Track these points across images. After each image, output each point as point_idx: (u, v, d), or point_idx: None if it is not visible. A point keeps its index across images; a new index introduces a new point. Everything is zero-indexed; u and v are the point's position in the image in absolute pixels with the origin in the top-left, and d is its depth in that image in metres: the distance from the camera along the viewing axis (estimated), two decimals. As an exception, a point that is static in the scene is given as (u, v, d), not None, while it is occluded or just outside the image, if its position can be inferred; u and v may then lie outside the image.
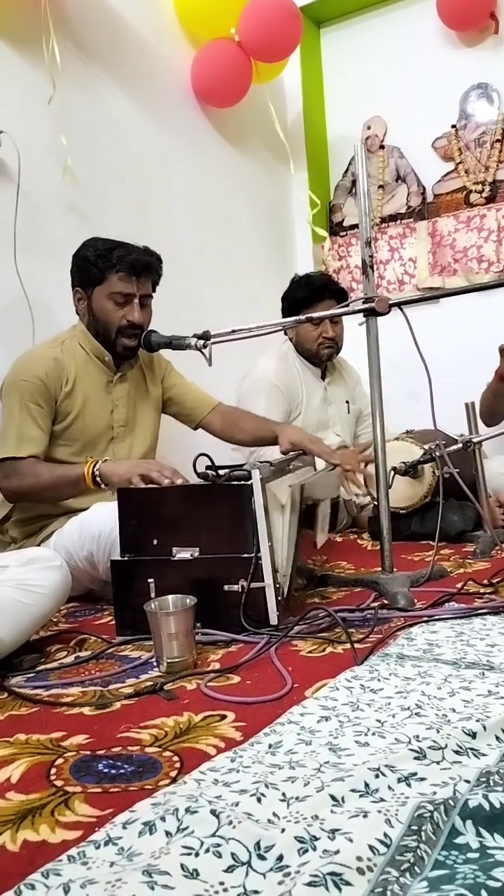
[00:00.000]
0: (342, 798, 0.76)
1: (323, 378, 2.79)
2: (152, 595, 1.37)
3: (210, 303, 2.95)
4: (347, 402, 2.82)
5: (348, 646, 1.27)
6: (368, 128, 3.49)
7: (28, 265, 2.19)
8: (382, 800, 0.76)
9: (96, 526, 1.74)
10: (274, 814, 0.76)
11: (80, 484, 1.79)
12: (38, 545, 1.85)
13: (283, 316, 2.70)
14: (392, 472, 2.11)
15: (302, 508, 1.54)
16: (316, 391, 2.74)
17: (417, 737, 0.90)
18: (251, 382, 2.64)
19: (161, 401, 2.15)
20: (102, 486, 1.76)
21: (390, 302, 1.66)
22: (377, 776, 0.80)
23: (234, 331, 1.72)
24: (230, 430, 2.20)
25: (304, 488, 1.54)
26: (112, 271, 1.90)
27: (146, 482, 1.64)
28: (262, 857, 0.68)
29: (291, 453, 1.95)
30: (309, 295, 2.61)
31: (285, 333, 2.79)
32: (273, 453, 2.12)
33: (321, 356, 2.69)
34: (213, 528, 1.47)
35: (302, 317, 1.91)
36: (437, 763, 0.84)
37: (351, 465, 2.31)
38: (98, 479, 1.76)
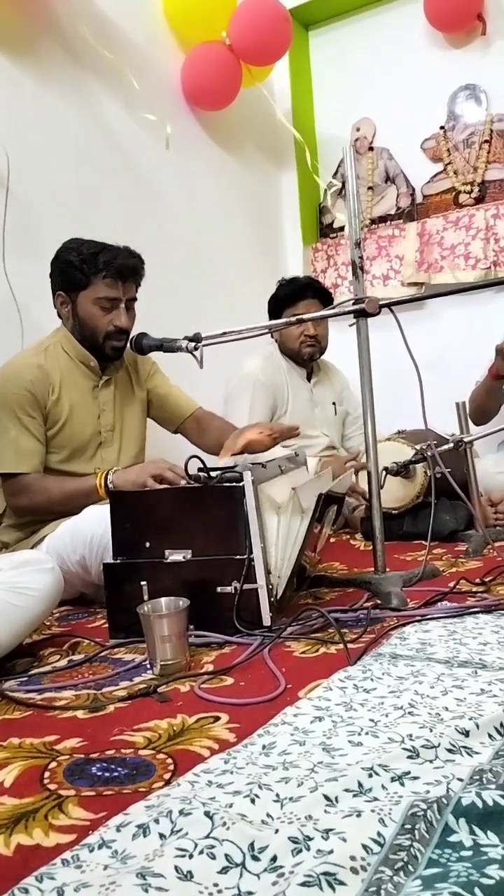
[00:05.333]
0: (336, 798, 0.77)
1: (309, 379, 2.81)
2: (145, 598, 1.37)
3: (200, 305, 2.95)
4: (334, 403, 2.83)
5: (341, 646, 1.27)
6: (357, 129, 3.50)
7: (17, 268, 2.19)
8: (376, 799, 0.76)
9: (88, 530, 1.74)
10: (268, 814, 0.76)
11: (92, 496, 1.80)
12: (31, 549, 1.84)
13: (269, 317, 2.71)
14: (384, 473, 2.12)
15: (317, 512, 1.54)
16: (301, 391, 2.75)
17: (411, 736, 0.90)
18: (237, 380, 2.66)
19: (146, 402, 2.15)
20: None
21: (380, 303, 1.67)
22: (370, 776, 0.80)
23: (224, 333, 1.72)
24: (201, 439, 2.16)
25: (321, 497, 1.54)
26: (98, 276, 1.87)
27: (159, 482, 1.65)
28: (256, 858, 0.68)
29: (284, 454, 1.95)
30: (291, 293, 2.65)
31: (271, 335, 2.80)
32: (270, 453, 2.12)
33: (303, 354, 2.71)
34: (206, 530, 1.47)
35: (292, 318, 1.91)
36: (431, 762, 0.84)
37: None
38: (111, 489, 1.76)
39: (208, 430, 2.17)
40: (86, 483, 1.82)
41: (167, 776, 0.87)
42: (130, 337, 1.89)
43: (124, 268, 1.90)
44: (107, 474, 1.80)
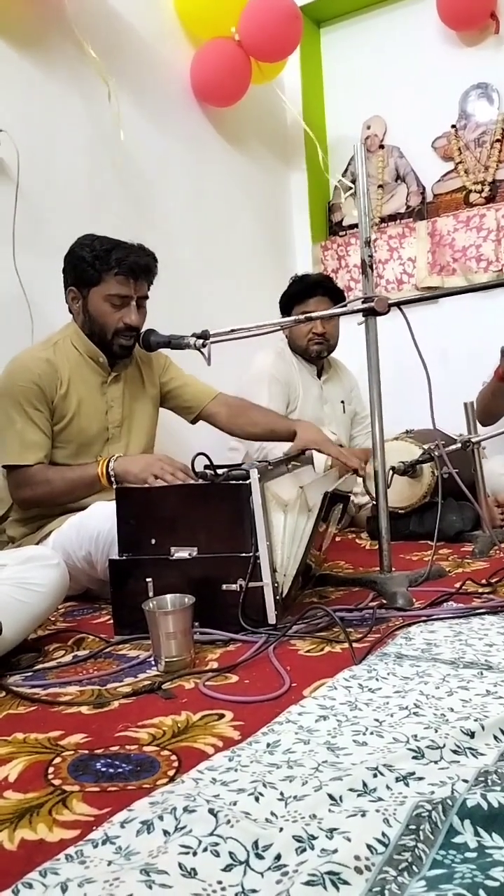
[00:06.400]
0: (340, 797, 0.76)
1: (319, 376, 2.80)
2: (150, 594, 1.37)
3: (209, 302, 2.95)
4: (343, 402, 2.83)
5: (346, 645, 1.27)
6: (368, 127, 3.49)
7: (27, 264, 2.19)
8: (380, 799, 0.76)
9: (95, 526, 1.74)
10: (272, 813, 0.76)
11: (95, 485, 1.80)
12: (37, 545, 1.85)
13: (281, 314, 2.71)
14: (391, 472, 2.11)
15: (323, 511, 1.54)
16: (311, 388, 2.75)
17: (416, 736, 0.90)
18: (251, 376, 2.67)
19: (159, 398, 2.14)
20: (116, 484, 1.75)
21: (390, 302, 1.66)
22: (375, 775, 0.80)
23: (233, 330, 1.72)
24: (238, 420, 2.14)
25: (328, 495, 1.54)
26: (110, 273, 1.87)
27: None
28: (260, 857, 0.67)
29: (291, 453, 1.95)
30: (301, 290, 2.65)
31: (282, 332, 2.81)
32: (276, 452, 2.12)
33: (310, 352, 2.71)
34: (212, 527, 1.47)
35: (301, 316, 1.91)
36: (436, 762, 0.84)
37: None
38: (112, 477, 1.76)
39: (250, 417, 2.15)
40: (87, 472, 1.81)
41: (171, 773, 0.87)
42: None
43: (136, 265, 1.90)
44: (108, 462, 1.79)
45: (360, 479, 2.44)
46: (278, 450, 2.20)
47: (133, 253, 1.90)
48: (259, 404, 2.31)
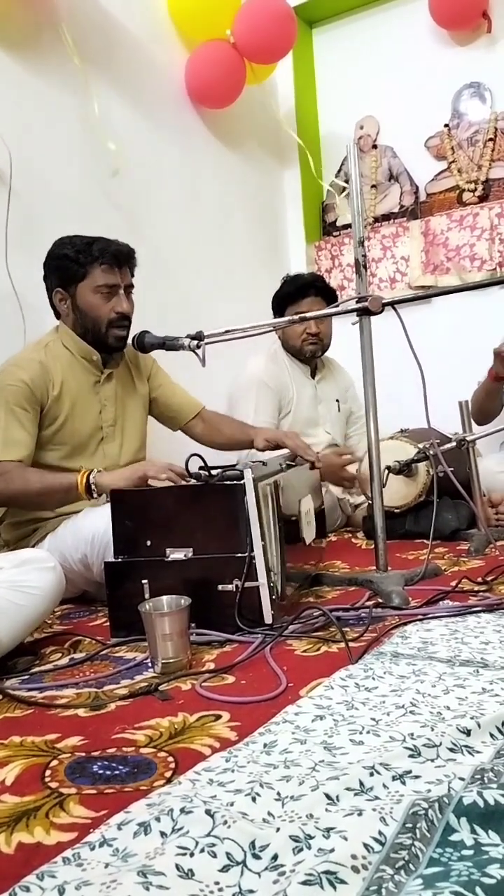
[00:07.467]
0: (337, 797, 0.77)
1: (313, 376, 2.80)
2: (146, 596, 1.37)
3: (203, 303, 2.94)
4: (337, 401, 2.83)
5: (343, 645, 1.27)
6: (361, 127, 3.49)
7: (19, 264, 2.18)
8: (377, 798, 0.76)
9: (90, 528, 1.73)
10: (269, 813, 0.76)
11: (71, 493, 1.76)
12: (32, 547, 1.84)
13: (274, 315, 2.71)
14: (386, 471, 2.11)
15: (278, 504, 1.52)
16: (305, 389, 2.75)
17: (412, 735, 0.90)
18: (241, 381, 2.67)
19: (148, 398, 2.15)
20: (97, 495, 1.74)
21: (383, 301, 1.66)
22: (372, 774, 0.80)
23: (227, 331, 1.72)
24: (211, 435, 2.20)
25: (278, 485, 1.53)
26: (95, 265, 1.89)
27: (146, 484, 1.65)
28: (257, 857, 0.68)
29: (282, 452, 1.95)
30: (294, 291, 2.65)
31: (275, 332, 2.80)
32: (267, 454, 2.12)
33: (304, 352, 2.71)
34: (207, 528, 1.47)
35: (295, 317, 1.91)
36: (432, 761, 0.84)
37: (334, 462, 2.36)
38: (93, 489, 1.73)
39: (219, 429, 2.21)
40: (66, 479, 1.77)
41: (168, 774, 0.87)
42: (133, 334, 1.89)
43: (120, 253, 1.92)
44: (89, 473, 1.75)
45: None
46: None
47: (112, 243, 1.93)
48: (246, 410, 2.32)
